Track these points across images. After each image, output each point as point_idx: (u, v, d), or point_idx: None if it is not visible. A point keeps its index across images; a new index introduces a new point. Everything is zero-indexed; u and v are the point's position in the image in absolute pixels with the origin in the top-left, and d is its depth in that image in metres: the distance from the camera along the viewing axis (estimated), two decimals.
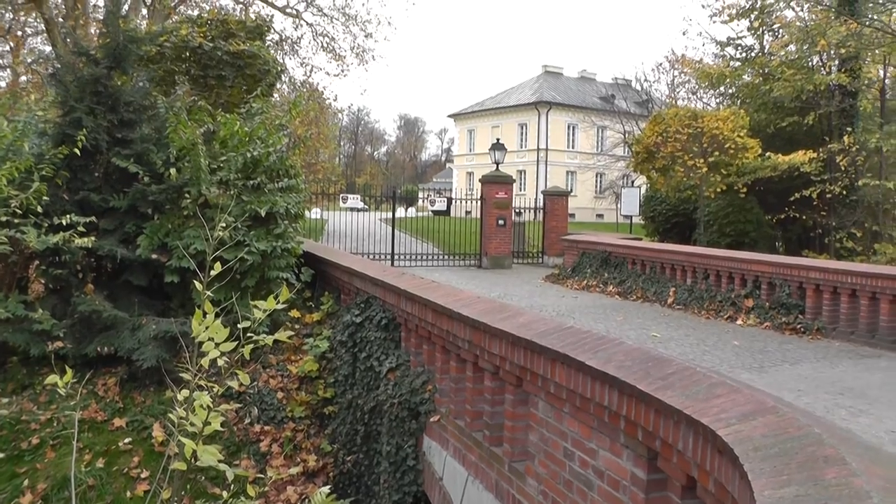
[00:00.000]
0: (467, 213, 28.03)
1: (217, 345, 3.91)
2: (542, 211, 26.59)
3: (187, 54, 16.84)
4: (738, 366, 10.41)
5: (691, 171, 23.37)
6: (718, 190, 24.30)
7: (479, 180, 25.99)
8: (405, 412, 7.80)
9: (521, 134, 68.19)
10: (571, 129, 67.41)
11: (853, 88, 25.46)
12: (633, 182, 46.02)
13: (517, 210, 26.36)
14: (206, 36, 17.13)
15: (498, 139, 29.36)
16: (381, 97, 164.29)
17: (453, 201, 34.47)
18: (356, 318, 9.60)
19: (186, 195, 10.66)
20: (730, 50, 31.39)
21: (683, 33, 46.60)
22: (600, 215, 62.40)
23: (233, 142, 11.60)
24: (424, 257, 25.08)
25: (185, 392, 4.12)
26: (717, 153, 23.02)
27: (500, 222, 24.50)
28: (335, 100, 36.63)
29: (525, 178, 65.09)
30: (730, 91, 31.71)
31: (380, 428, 8.34)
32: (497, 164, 26.59)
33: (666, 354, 4.83)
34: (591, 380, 4.55)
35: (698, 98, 38.50)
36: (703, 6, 39.51)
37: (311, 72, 34.80)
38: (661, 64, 49.87)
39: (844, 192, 24.32)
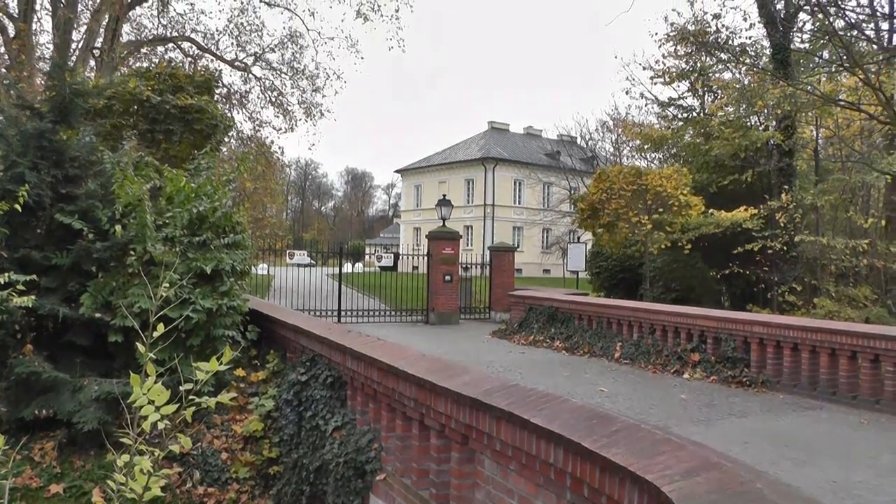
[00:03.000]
0: (414, 268, 28.00)
1: (158, 408, 3.83)
2: (488, 266, 26.70)
3: (135, 108, 16.72)
4: (685, 420, 10.47)
5: (636, 227, 23.68)
6: (663, 246, 24.64)
7: (426, 236, 26.08)
8: (351, 471, 7.68)
9: (468, 189, 68.60)
10: (518, 184, 67.99)
11: (788, 147, 26.20)
12: (579, 238, 46.51)
13: (464, 265, 26.42)
14: (154, 89, 17.06)
15: (444, 195, 29.52)
16: (329, 151, 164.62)
17: (400, 257, 34.51)
18: (302, 376, 9.49)
19: (131, 252, 10.44)
20: (672, 110, 32.11)
21: (626, 93, 47.50)
22: (547, 270, 62.88)
23: (179, 198, 11.46)
24: (371, 313, 24.97)
25: (126, 457, 4.02)
26: (661, 210, 23.37)
27: (447, 278, 24.53)
28: (282, 154, 36.51)
29: (472, 234, 65.40)
30: (672, 151, 32.36)
31: (326, 487, 8.19)
32: (444, 219, 26.76)
33: (612, 411, 4.85)
34: (537, 437, 4.54)
35: (642, 156, 39.16)
36: (644, 68, 40.41)
37: (259, 126, 34.73)
38: (605, 123, 50.62)
39: (785, 248, 24.81)
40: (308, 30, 42.35)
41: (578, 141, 55.14)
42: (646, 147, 34.79)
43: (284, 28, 41.62)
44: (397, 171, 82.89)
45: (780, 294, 25.02)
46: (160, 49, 34.25)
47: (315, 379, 9.26)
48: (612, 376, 14.19)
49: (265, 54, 35.54)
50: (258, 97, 36.12)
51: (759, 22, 26.82)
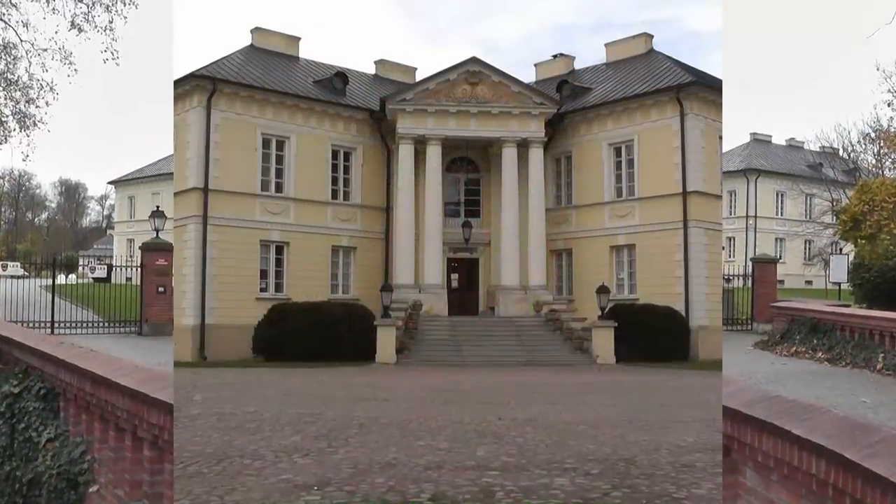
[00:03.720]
0: (128, 279, 27.20)
1: None
2: (751, 278, 25.92)
3: None
4: None
5: None
6: None
7: (140, 247, 25.21)
8: (64, 483, 7.41)
9: (731, 200, 65.72)
10: (779, 196, 64.83)
11: None
12: (841, 249, 43.78)
13: (726, 277, 25.81)
14: None
15: (158, 206, 27.90)
16: (43, 162, 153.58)
17: (114, 268, 33.57)
18: (14, 388, 9.08)
19: None
20: None
21: (889, 105, 43.92)
22: (809, 282, 59.30)
23: None
24: (85, 325, 24.21)
25: None
26: None
27: (161, 289, 23.67)
28: None
29: (734, 245, 62.85)
30: None
31: (39, 500, 7.87)
32: (157, 231, 25.55)
33: (874, 422, 4.82)
34: (798, 448, 4.48)
35: None
36: None
37: None
38: (867, 135, 47.23)
39: None
40: (21, 41, 39.85)
41: (840, 153, 51.88)
42: None
43: None
44: (111, 183, 79.37)
45: None
46: None
47: (28, 391, 8.90)
48: (874, 387, 13.63)
49: None
50: None
51: None
